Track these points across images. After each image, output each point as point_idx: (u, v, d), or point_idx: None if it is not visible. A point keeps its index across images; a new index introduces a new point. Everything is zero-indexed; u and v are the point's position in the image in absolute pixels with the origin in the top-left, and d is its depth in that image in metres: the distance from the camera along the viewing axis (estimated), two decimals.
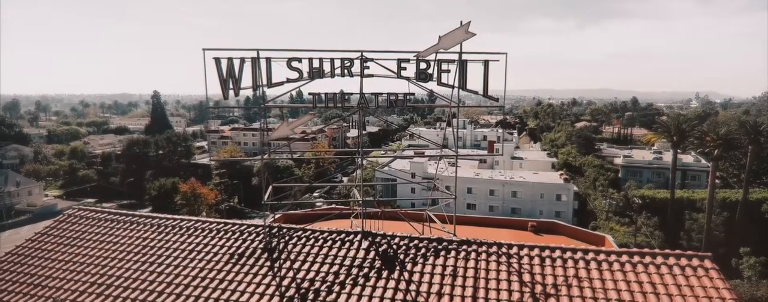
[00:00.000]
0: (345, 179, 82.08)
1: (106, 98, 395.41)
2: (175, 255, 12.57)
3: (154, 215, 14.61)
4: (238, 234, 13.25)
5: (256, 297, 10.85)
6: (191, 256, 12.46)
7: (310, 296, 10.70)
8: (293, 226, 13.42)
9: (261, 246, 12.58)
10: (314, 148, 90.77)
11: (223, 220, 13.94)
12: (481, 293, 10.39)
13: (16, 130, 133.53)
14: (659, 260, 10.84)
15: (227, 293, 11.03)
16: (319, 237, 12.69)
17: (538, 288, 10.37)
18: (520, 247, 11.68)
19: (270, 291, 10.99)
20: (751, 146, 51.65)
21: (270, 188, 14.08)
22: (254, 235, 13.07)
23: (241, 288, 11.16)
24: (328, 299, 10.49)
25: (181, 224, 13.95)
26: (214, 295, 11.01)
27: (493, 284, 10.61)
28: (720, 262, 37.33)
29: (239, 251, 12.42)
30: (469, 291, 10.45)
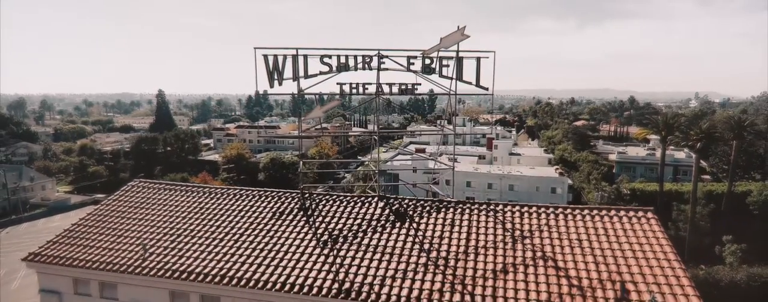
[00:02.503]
0: (348, 175, 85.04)
1: (108, 98, 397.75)
2: (228, 213, 15.69)
3: (204, 185, 17.66)
4: (276, 197, 16.35)
5: (298, 241, 13.96)
6: (241, 214, 15.57)
7: (340, 240, 13.78)
8: (322, 192, 16.50)
9: (297, 206, 15.67)
10: (318, 145, 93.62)
11: (262, 188, 17.02)
12: (473, 236, 13.48)
13: (24, 128, 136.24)
14: (612, 212, 13.93)
15: (275, 239, 14.14)
16: (344, 199, 15.80)
17: (517, 233, 13.45)
18: (505, 205, 14.76)
19: (308, 237, 14.09)
20: (736, 141, 54.59)
21: (301, 163, 17.13)
22: (290, 198, 16.17)
23: (285, 235, 14.27)
24: (354, 241, 13.57)
25: (228, 191, 17.06)
26: (265, 240, 14.12)
27: (482, 230, 13.70)
28: (705, 250, 39.86)
29: (280, 209, 15.51)
30: (464, 236, 13.55)
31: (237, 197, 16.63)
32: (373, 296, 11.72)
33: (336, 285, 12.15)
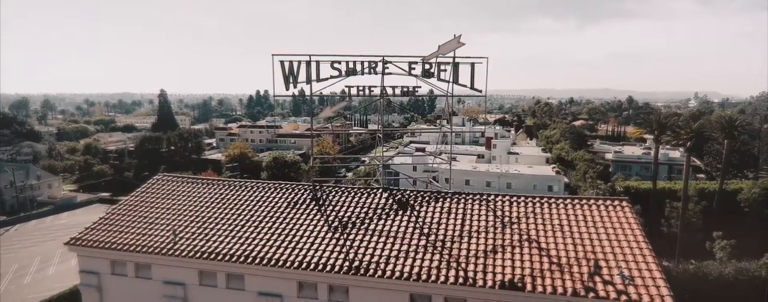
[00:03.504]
0: (350, 173, 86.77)
1: (108, 97, 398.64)
2: (247, 202, 17.45)
3: (225, 179, 19.37)
4: (290, 189, 18.11)
5: (312, 227, 15.72)
6: (260, 203, 17.33)
7: (349, 226, 15.52)
8: (331, 184, 18.24)
9: (309, 197, 17.41)
10: (319, 144, 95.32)
11: (277, 181, 18.72)
12: (467, 222, 15.22)
13: (28, 128, 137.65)
14: (591, 201, 15.69)
15: (291, 224, 15.90)
16: (351, 191, 17.55)
17: (506, 219, 15.18)
18: (496, 195, 16.48)
19: (320, 223, 15.85)
20: (727, 140, 56.28)
21: (312, 158, 18.85)
22: (303, 190, 17.93)
23: (299, 221, 16.04)
24: (362, 226, 15.31)
25: (246, 184, 18.82)
26: (282, 226, 15.89)
27: (476, 217, 15.45)
28: (696, 245, 41.66)
29: (294, 200, 17.26)
30: (458, 221, 15.30)
31: (254, 189, 18.38)
32: (379, 272, 13.47)
33: (347, 264, 13.90)
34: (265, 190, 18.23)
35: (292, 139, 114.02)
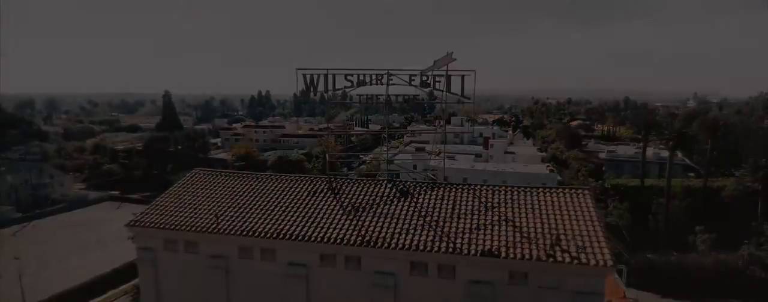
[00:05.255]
0: (351, 172, 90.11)
1: (110, 97, 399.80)
2: (274, 192, 20.93)
3: (253, 172, 22.81)
4: (309, 181, 21.55)
5: (329, 211, 19.20)
6: (284, 193, 20.83)
7: (360, 209, 18.94)
8: (345, 177, 21.65)
9: (326, 187, 20.85)
10: (322, 143, 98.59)
11: (297, 174, 22.14)
12: (457, 206, 18.68)
13: (35, 127, 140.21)
14: (559, 190, 19.12)
15: (312, 209, 19.40)
16: (361, 181, 20.98)
17: (489, 204, 18.58)
18: (482, 185, 19.89)
19: (336, 208, 19.31)
20: (710, 140, 59.65)
21: (327, 155, 22.26)
22: (320, 181, 21.36)
23: (318, 207, 19.53)
24: (370, 210, 18.74)
25: (271, 177, 22.28)
26: (305, 209, 19.39)
27: (464, 202, 18.90)
28: (680, 239, 45.39)
29: (313, 189, 20.71)
30: (450, 206, 18.76)
31: (278, 180, 21.86)
32: (385, 245, 16.93)
33: (359, 238, 17.36)
34: (288, 181, 21.69)
35: (295, 139, 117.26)
